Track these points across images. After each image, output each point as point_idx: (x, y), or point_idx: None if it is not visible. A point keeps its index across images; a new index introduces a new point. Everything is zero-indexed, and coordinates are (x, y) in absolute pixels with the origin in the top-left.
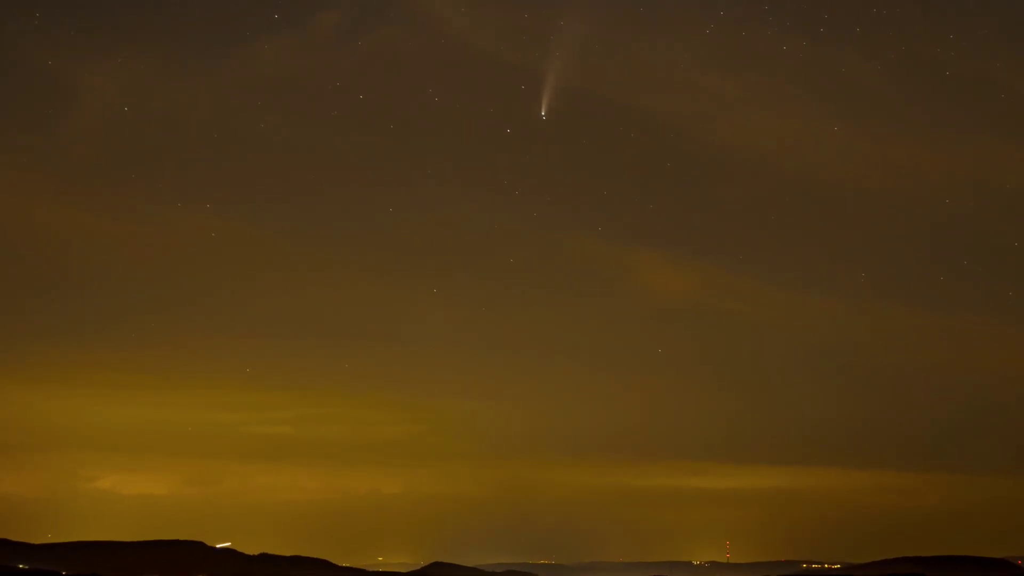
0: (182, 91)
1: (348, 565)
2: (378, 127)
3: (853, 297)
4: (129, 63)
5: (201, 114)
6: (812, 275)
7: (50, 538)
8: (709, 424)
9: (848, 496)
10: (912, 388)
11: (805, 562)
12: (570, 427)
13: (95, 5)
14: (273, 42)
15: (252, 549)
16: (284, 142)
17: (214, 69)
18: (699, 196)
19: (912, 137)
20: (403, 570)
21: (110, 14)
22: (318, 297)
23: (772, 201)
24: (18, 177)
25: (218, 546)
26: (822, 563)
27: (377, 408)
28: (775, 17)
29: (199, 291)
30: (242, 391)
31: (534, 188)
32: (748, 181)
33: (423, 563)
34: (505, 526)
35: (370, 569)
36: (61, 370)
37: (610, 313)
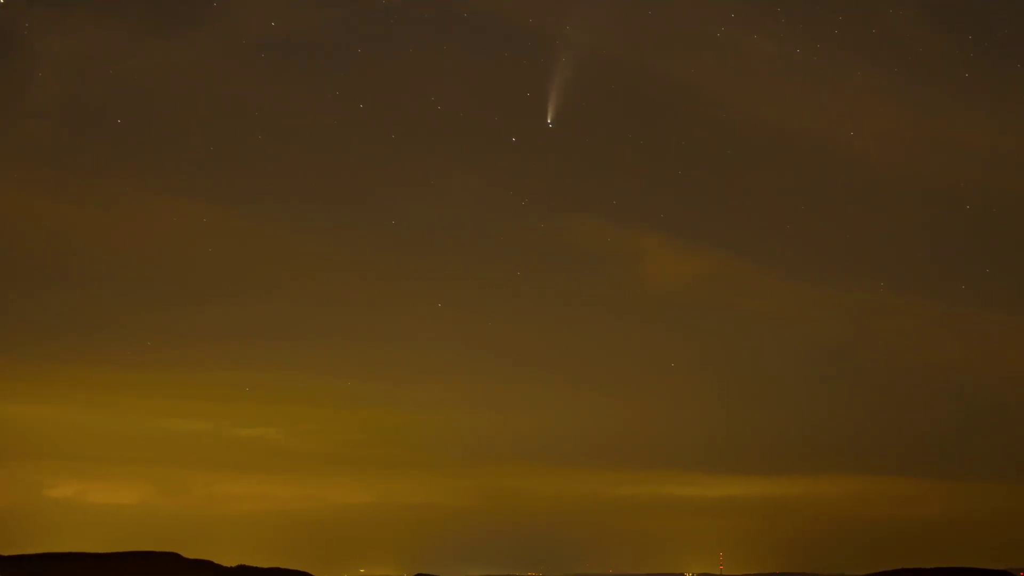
0: (163, 57)
1: None
2: (379, 137)
3: (867, 292)
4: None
5: (192, 110)
6: (826, 268)
7: (38, 549)
8: (704, 429)
9: (846, 505)
10: (913, 389)
11: (801, 573)
12: (557, 433)
13: None
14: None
15: (229, 561)
16: (281, 153)
17: (190, 34)
18: (719, 183)
19: (956, 124)
20: None
21: None
22: (303, 304)
23: (793, 185)
24: None
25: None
26: (818, 574)
27: (351, 416)
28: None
29: (175, 293)
30: (212, 399)
31: (542, 198)
32: (772, 162)
33: (406, 575)
34: (490, 536)
35: None
36: (17, 376)
37: (604, 318)
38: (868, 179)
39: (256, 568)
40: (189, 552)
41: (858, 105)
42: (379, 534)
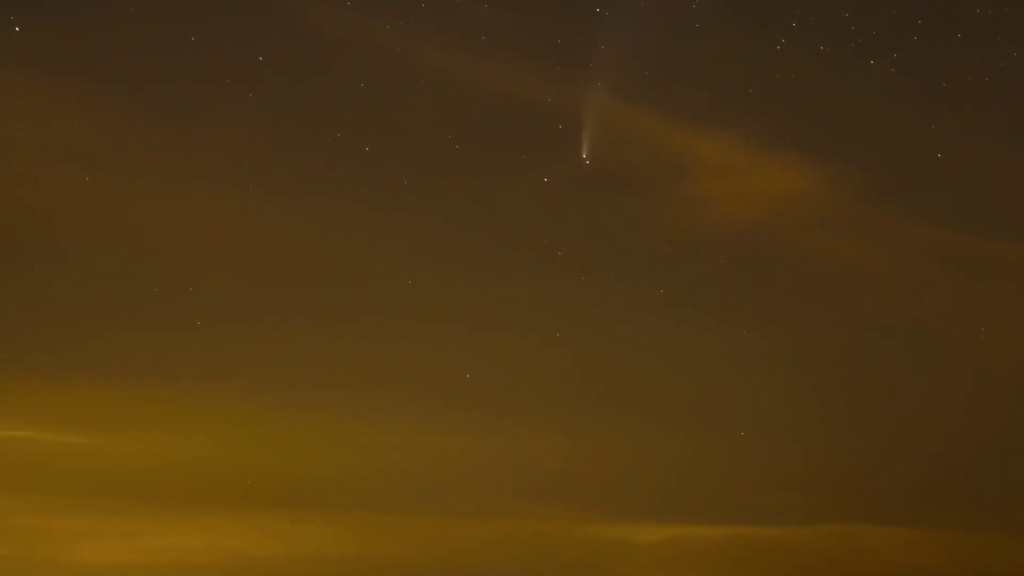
0: None
1: None
2: (389, 184)
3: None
4: None
5: None
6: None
7: None
8: (688, 456)
9: (839, 554)
10: (926, 411)
11: None
12: (507, 463)
13: None
14: None
15: None
16: (281, 217)
17: None
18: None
19: None
20: None
21: None
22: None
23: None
24: None
25: None
26: None
27: (253, 448)
28: None
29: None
30: (85, 428)
31: (580, 247)
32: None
33: None
34: None
35: None
36: None
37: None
38: None
39: None
40: None
41: None
42: None
